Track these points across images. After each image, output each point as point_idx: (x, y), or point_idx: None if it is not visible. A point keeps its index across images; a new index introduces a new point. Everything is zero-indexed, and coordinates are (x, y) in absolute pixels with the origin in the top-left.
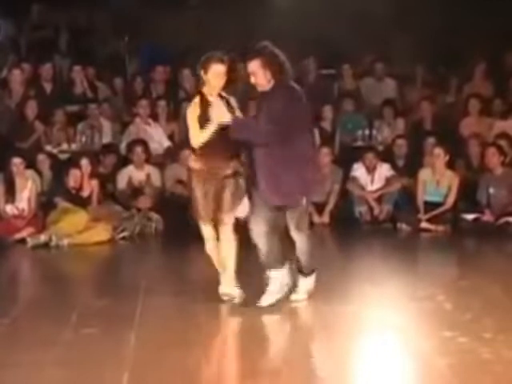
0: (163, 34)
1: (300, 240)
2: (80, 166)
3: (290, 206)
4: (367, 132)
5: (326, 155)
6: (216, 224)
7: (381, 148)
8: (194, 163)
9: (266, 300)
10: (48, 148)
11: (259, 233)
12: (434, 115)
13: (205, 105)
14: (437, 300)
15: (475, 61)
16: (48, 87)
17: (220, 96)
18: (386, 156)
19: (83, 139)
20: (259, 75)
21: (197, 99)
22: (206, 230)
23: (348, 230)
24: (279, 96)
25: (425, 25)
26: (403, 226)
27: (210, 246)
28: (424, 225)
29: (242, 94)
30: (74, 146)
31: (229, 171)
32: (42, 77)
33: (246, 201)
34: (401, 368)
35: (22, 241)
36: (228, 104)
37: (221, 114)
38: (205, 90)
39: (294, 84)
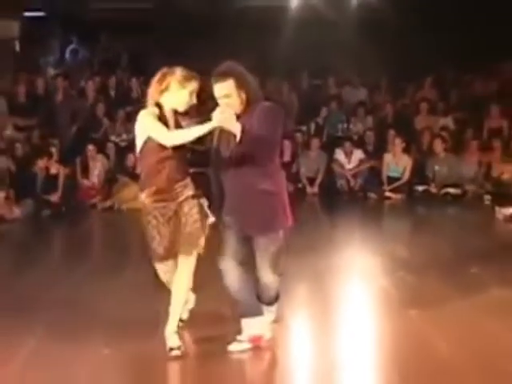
0: (195, 54)
1: (273, 285)
2: (135, 151)
3: (269, 237)
4: (345, 126)
5: (316, 143)
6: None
7: (355, 137)
8: (150, 184)
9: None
10: (113, 138)
11: (233, 278)
12: (394, 113)
13: (163, 120)
14: (394, 247)
15: (425, 75)
16: (113, 93)
17: (176, 114)
18: (359, 143)
19: None
20: (234, 97)
21: (155, 110)
22: (165, 267)
23: (332, 198)
24: (264, 117)
25: (388, 49)
26: (372, 195)
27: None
28: (387, 194)
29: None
30: (131, 136)
31: (190, 192)
32: (108, 86)
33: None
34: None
35: (94, 205)
36: (177, 121)
37: (230, 120)
38: (165, 103)
39: (269, 103)
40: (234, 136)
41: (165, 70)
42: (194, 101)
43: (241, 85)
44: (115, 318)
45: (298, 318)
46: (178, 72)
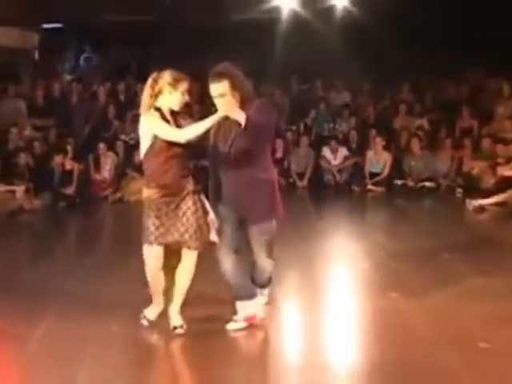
0: (197, 61)
1: (268, 267)
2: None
3: (264, 225)
4: (332, 126)
5: (305, 141)
6: (178, 248)
7: (340, 136)
8: (153, 179)
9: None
10: (122, 137)
11: (227, 266)
12: (375, 114)
13: (165, 120)
14: (375, 235)
15: (402, 80)
16: (122, 97)
17: (174, 114)
18: (344, 142)
19: None
20: (228, 96)
21: (156, 115)
22: (154, 252)
23: (319, 191)
24: (259, 110)
25: (369, 57)
26: (355, 188)
27: (155, 268)
28: (369, 187)
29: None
30: (138, 135)
31: (191, 187)
32: (118, 90)
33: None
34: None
35: (105, 198)
36: (176, 120)
37: (235, 110)
38: (161, 105)
39: (263, 99)
40: (238, 125)
41: (155, 75)
42: (187, 99)
43: (235, 85)
44: (123, 300)
45: (289, 299)
46: (167, 75)
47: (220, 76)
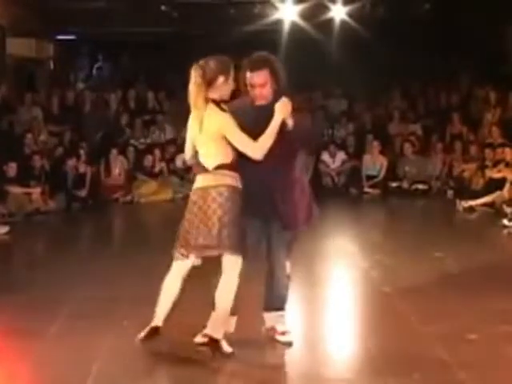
0: None
1: (283, 272)
2: (153, 153)
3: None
4: (330, 131)
5: None
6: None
7: (339, 141)
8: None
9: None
10: (132, 141)
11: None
12: (371, 121)
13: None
14: (372, 234)
15: (396, 89)
16: (132, 104)
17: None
18: (342, 146)
19: (154, 136)
20: (267, 86)
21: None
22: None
23: (318, 193)
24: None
25: (365, 68)
26: (353, 190)
27: None
28: (366, 189)
29: None
30: (148, 140)
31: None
32: (128, 98)
33: None
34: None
35: (116, 199)
36: None
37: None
38: (217, 97)
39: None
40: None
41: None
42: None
43: (274, 75)
44: (133, 296)
45: (290, 295)
46: (231, 65)
47: (261, 64)
